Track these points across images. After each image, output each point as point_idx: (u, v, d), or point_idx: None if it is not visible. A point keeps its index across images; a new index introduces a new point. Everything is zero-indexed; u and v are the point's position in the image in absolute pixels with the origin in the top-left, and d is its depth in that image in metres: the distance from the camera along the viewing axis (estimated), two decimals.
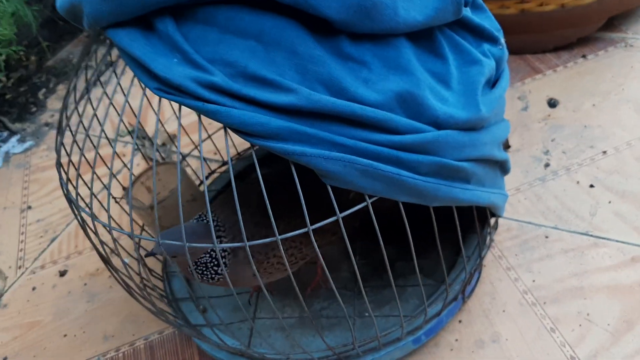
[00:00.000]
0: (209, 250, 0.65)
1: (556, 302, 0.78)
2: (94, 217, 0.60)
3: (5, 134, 1.33)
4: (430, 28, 0.57)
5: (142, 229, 0.90)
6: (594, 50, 1.15)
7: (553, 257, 0.83)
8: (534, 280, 0.81)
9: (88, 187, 0.61)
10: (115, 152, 0.58)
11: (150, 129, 1.21)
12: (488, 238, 0.78)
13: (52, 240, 1.06)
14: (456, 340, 0.77)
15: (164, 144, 1.18)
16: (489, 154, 0.61)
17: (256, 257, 0.67)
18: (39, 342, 0.91)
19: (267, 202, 0.52)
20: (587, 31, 1.15)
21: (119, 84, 0.59)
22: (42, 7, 1.44)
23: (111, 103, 0.56)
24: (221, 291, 0.84)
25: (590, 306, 0.77)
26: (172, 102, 0.52)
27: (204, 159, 1.05)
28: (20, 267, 1.03)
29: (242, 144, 1.02)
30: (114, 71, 0.61)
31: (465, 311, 0.80)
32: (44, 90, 1.43)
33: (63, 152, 0.66)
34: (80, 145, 0.63)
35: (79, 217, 0.66)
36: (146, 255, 0.65)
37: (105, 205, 0.80)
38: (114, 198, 0.80)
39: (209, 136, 0.95)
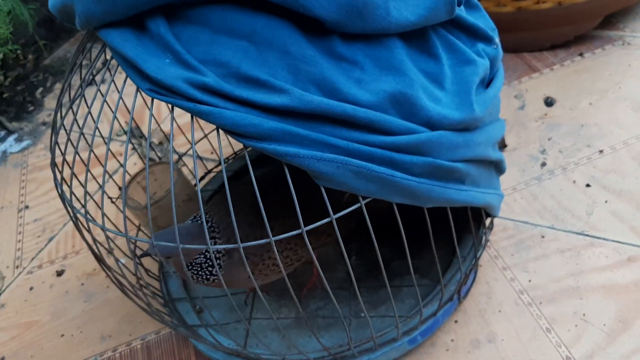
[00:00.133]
0: (203, 252, 0.64)
1: (552, 302, 0.78)
2: (88, 217, 0.60)
3: (2, 133, 1.33)
4: (423, 28, 0.57)
5: (139, 229, 0.90)
6: (591, 49, 1.14)
7: (549, 257, 0.83)
8: (529, 280, 0.81)
9: (83, 187, 0.61)
10: (109, 151, 0.58)
11: (146, 128, 1.20)
12: (483, 238, 0.78)
13: (50, 240, 1.06)
14: (452, 340, 0.77)
15: (160, 143, 1.17)
16: (484, 154, 0.61)
17: (251, 259, 0.67)
18: (36, 341, 0.91)
19: (261, 203, 0.52)
20: (584, 29, 1.14)
21: (113, 82, 0.58)
22: (38, 6, 1.44)
23: (105, 101, 0.56)
24: (217, 292, 0.84)
25: (586, 306, 0.77)
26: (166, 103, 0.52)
27: (201, 158, 1.05)
28: (17, 267, 1.03)
29: (238, 142, 1.02)
30: (108, 69, 0.61)
31: (461, 311, 0.80)
32: (41, 89, 1.43)
33: (58, 151, 0.66)
34: (75, 144, 0.63)
35: (73, 218, 0.66)
36: (141, 256, 0.65)
37: (101, 205, 0.80)
38: (110, 198, 0.80)
39: (205, 135, 0.95)
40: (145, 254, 0.63)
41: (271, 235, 0.53)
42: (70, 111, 0.63)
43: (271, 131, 0.50)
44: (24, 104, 1.40)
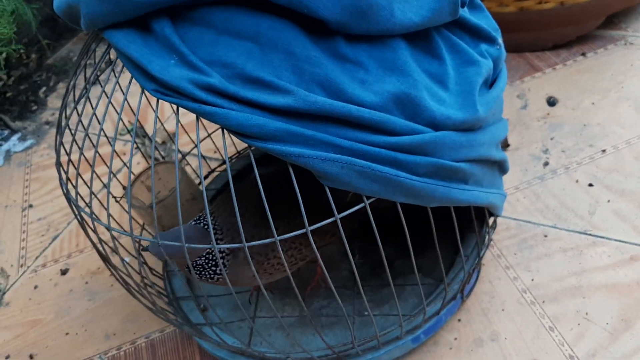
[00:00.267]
0: (204, 254, 0.65)
1: (555, 301, 0.78)
2: (93, 216, 0.61)
3: (6, 132, 1.34)
4: (427, 29, 0.57)
5: (143, 228, 0.90)
6: (593, 48, 1.14)
7: (552, 256, 0.83)
8: (532, 279, 0.81)
9: (88, 186, 0.62)
10: (114, 151, 0.58)
11: (150, 128, 1.21)
12: (487, 237, 0.78)
13: (54, 239, 1.06)
14: (455, 339, 0.78)
15: (164, 143, 1.18)
16: (487, 154, 0.61)
17: (256, 258, 0.67)
18: (40, 340, 0.91)
19: (266, 203, 0.52)
20: (587, 29, 1.14)
21: (117, 82, 0.59)
22: (41, 5, 1.44)
23: (110, 102, 0.56)
24: (221, 290, 0.84)
25: (589, 305, 0.77)
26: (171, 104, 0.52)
27: (204, 158, 1.05)
28: (22, 266, 1.03)
29: (241, 142, 1.02)
30: (113, 70, 0.61)
31: (464, 310, 0.80)
32: (44, 88, 1.44)
33: (63, 151, 0.67)
34: (80, 144, 0.63)
35: (78, 217, 0.66)
36: (143, 250, 0.65)
37: (106, 204, 0.80)
38: (114, 197, 0.80)
39: (209, 135, 0.95)
40: (146, 249, 0.64)
41: (276, 235, 0.54)
42: (75, 111, 0.63)
43: (276, 131, 0.50)
44: (28, 103, 1.40)
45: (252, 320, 0.81)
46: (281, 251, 0.55)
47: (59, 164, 0.66)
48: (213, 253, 0.65)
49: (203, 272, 0.66)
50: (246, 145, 1.01)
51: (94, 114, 0.59)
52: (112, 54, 0.61)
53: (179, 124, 0.96)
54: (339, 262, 0.86)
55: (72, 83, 0.64)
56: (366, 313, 0.78)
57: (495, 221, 0.80)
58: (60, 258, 1.02)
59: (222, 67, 0.51)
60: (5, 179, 1.22)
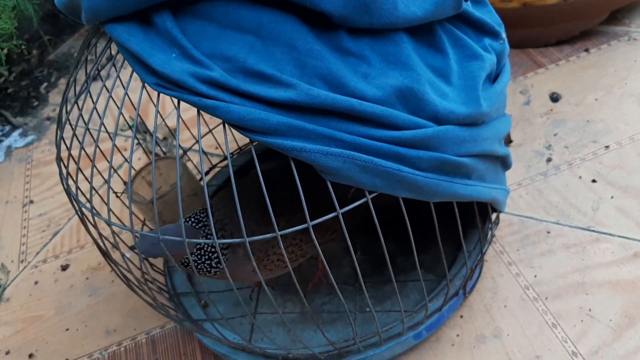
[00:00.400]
0: (195, 251, 0.64)
1: (558, 298, 0.78)
2: (94, 211, 0.60)
3: (7, 128, 1.33)
4: (430, 22, 0.56)
5: (144, 224, 0.90)
6: (596, 44, 1.14)
7: (555, 253, 0.83)
8: (535, 276, 0.81)
9: (88, 182, 0.61)
10: (114, 146, 0.58)
11: (151, 123, 1.21)
12: (489, 233, 0.78)
13: (54, 235, 1.06)
14: (457, 335, 0.77)
15: (165, 138, 1.17)
16: (490, 149, 0.61)
17: (256, 255, 0.67)
18: (41, 336, 0.91)
19: (267, 199, 0.52)
20: (590, 24, 1.14)
21: (118, 77, 0.58)
22: (42, 1, 1.44)
23: (111, 97, 0.56)
24: (222, 286, 0.84)
25: (592, 302, 0.77)
26: (172, 97, 0.52)
27: (205, 153, 1.05)
28: (22, 261, 1.03)
29: (243, 137, 1.02)
30: (114, 65, 0.61)
31: (466, 306, 0.80)
32: (45, 84, 1.43)
33: (63, 146, 0.66)
34: (81, 139, 0.63)
35: (79, 212, 0.66)
36: (130, 248, 0.65)
37: (106, 199, 0.80)
38: (115, 193, 0.80)
39: (210, 130, 0.95)
40: (132, 248, 0.63)
41: (277, 230, 0.53)
42: (76, 106, 0.63)
43: (278, 125, 0.50)
44: (29, 99, 1.40)
45: (253, 316, 0.81)
46: (282, 246, 0.54)
47: (59, 159, 0.66)
48: (204, 250, 0.64)
49: (198, 268, 0.65)
50: (247, 141, 1.01)
51: (95, 108, 0.59)
52: (113, 49, 0.61)
53: (180, 119, 0.95)
54: (340, 258, 0.85)
55: (72, 77, 0.64)
56: (368, 309, 0.78)
57: (498, 217, 0.79)
58: (61, 254, 1.02)
59: (224, 61, 0.51)
60: (6, 175, 1.21)
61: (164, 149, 1.14)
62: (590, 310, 0.76)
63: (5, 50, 1.37)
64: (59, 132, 0.65)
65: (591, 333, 0.74)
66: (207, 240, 0.55)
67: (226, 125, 0.51)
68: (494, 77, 0.63)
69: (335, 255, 0.85)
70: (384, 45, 0.54)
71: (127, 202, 0.97)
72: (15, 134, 1.31)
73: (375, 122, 0.52)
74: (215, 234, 0.66)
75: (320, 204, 0.61)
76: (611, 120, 0.99)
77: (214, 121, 1.12)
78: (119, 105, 0.56)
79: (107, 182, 0.58)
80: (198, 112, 0.52)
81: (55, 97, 1.40)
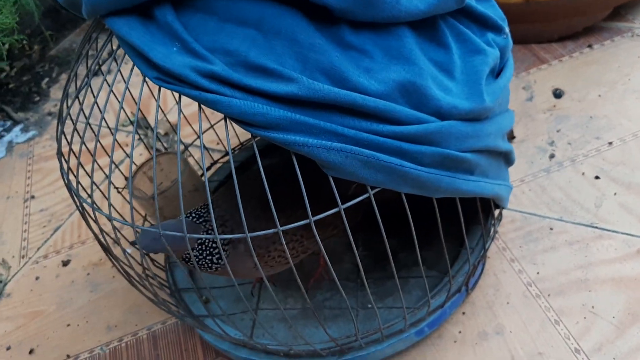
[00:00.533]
0: (196, 245, 0.64)
1: (560, 294, 0.78)
2: (94, 207, 0.60)
3: (8, 123, 1.33)
4: (433, 17, 0.56)
5: (145, 219, 0.90)
6: (600, 40, 1.13)
7: (557, 249, 0.83)
8: (538, 272, 0.81)
9: (89, 177, 0.61)
10: (115, 141, 0.58)
11: (152, 118, 1.20)
12: (492, 230, 0.77)
13: (55, 230, 1.06)
14: (459, 332, 0.77)
15: (166, 134, 1.17)
16: (493, 144, 0.60)
17: (256, 251, 0.67)
18: (42, 331, 0.91)
19: (269, 195, 0.51)
20: (593, 20, 1.13)
21: (119, 71, 0.58)
22: None
23: (111, 91, 0.55)
24: (224, 282, 0.84)
25: (595, 298, 0.76)
26: (173, 92, 0.52)
27: (206, 149, 1.05)
28: (23, 257, 1.03)
29: (244, 133, 1.02)
30: (115, 59, 0.60)
31: (468, 303, 0.79)
32: (47, 79, 1.43)
33: (64, 141, 0.66)
34: (81, 134, 0.62)
35: (80, 207, 0.66)
36: (131, 243, 0.64)
37: (107, 195, 0.80)
38: (116, 188, 0.80)
39: (211, 126, 0.94)
40: (133, 243, 0.63)
41: (279, 225, 0.53)
42: (77, 101, 0.62)
43: (279, 120, 0.49)
44: (30, 94, 1.40)
45: (255, 312, 0.81)
46: (284, 242, 0.54)
47: (60, 154, 0.66)
48: (205, 245, 0.64)
49: (199, 263, 0.65)
50: (249, 137, 1.01)
51: (95, 103, 0.59)
52: (114, 43, 0.61)
53: (182, 115, 0.95)
54: (341, 254, 0.85)
55: (73, 72, 0.63)
56: (370, 305, 0.78)
57: (500, 213, 0.79)
58: (62, 249, 1.02)
59: (225, 55, 0.51)
60: (7, 170, 1.21)
61: (165, 145, 1.14)
62: (593, 307, 0.76)
63: (6, 45, 1.37)
64: (59, 127, 0.65)
65: (594, 330, 0.74)
66: (208, 236, 0.55)
67: (228, 120, 0.51)
68: (497, 72, 0.62)
69: (337, 251, 0.85)
70: (387, 39, 0.54)
71: (128, 198, 0.97)
72: (17, 129, 1.31)
73: (377, 116, 0.51)
74: (211, 232, 0.65)
75: (322, 199, 0.61)
76: (614, 116, 0.98)
77: (215, 116, 1.12)
78: (119, 100, 0.56)
79: (108, 177, 0.57)
80: (199, 107, 0.51)
81: (56, 93, 1.39)
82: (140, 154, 1.15)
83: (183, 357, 0.83)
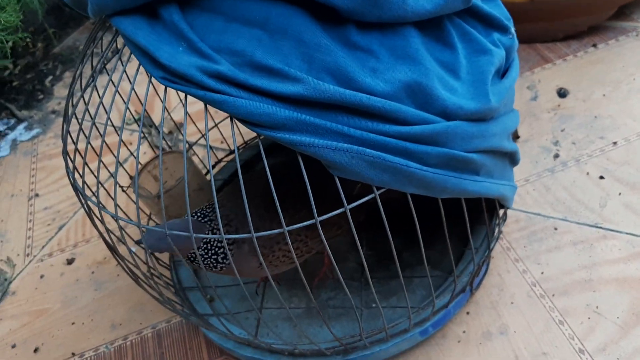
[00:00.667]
0: (202, 245, 0.64)
1: (565, 295, 0.78)
2: (100, 205, 0.60)
3: (12, 121, 1.33)
4: (439, 17, 0.56)
5: (150, 218, 0.90)
6: (604, 40, 1.13)
7: (562, 249, 0.83)
8: (542, 272, 0.81)
9: (94, 176, 0.61)
10: (121, 140, 0.58)
11: (157, 117, 1.20)
12: (497, 230, 0.77)
13: (60, 228, 1.06)
14: (464, 332, 0.77)
15: (170, 132, 1.17)
16: (499, 145, 0.60)
17: (260, 251, 0.67)
18: (47, 329, 0.91)
19: (275, 195, 0.51)
20: (598, 20, 1.13)
21: (124, 71, 0.58)
22: None
23: (117, 91, 0.56)
24: (228, 281, 0.84)
25: (599, 299, 0.76)
26: (179, 91, 0.52)
27: (211, 148, 1.05)
28: (28, 255, 1.03)
29: (248, 132, 1.02)
30: (120, 59, 0.60)
31: (473, 303, 0.79)
32: (50, 77, 1.43)
33: (69, 140, 0.66)
34: (87, 133, 0.62)
35: (85, 206, 0.66)
36: (136, 242, 0.64)
37: (112, 193, 0.80)
38: (121, 187, 0.80)
39: (216, 125, 0.95)
40: (139, 242, 0.63)
41: (284, 225, 0.53)
42: (82, 100, 0.62)
43: (285, 120, 0.49)
44: (34, 92, 1.40)
45: (259, 311, 0.81)
46: (289, 242, 0.54)
47: (65, 153, 0.66)
48: (211, 244, 0.64)
49: (205, 263, 0.65)
50: (253, 135, 1.01)
51: (101, 102, 0.59)
52: (119, 43, 0.61)
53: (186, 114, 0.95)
54: (346, 253, 0.85)
55: (78, 71, 0.63)
56: (374, 305, 0.78)
57: (505, 213, 0.79)
58: (67, 247, 1.02)
59: (231, 55, 0.51)
60: (12, 168, 1.21)
61: (169, 143, 1.14)
62: (597, 307, 0.76)
63: (10, 43, 1.37)
64: (65, 126, 0.65)
65: (598, 330, 0.74)
66: (214, 236, 0.55)
67: (233, 119, 0.51)
68: (502, 72, 0.62)
69: (341, 250, 0.85)
70: (393, 39, 0.54)
71: (132, 197, 0.97)
72: (21, 127, 1.31)
73: (383, 117, 0.52)
74: (216, 230, 0.65)
75: (327, 200, 0.61)
76: (619, 116, 0.98)
77: (219, 115, 1.12)
78: (125, 99, 0.56)
79: (113, 176, 0.57)
80: (205, 106, 0.52)
81: (60, 90, 1.39)
82: (145, 153, 1.15)
83: (187, 355, 0.83)
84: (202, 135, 0.98)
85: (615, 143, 0.94)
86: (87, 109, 0.62)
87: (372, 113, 0.51)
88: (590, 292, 0.77)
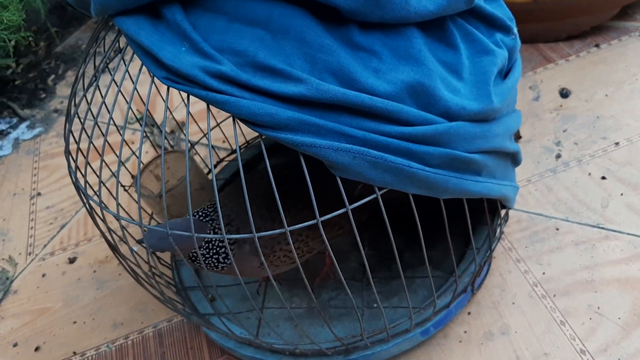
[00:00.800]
0: (203, 244, 0.64)
1: (566, 295, 0.78)
2: (102, 205, 0.60)
3: (14, 120, 1.33)
4: (441, 17, 0.56)
5: (151, 217, 0.90)
6: (607, 40, 1.13)
7: (563, 250, 0.83)
8: (544, 273, 0.81)
9: (96, 175, 0.61)
10: (123, 140, 0.58)
11: (159, 117, 1.20)
12: (498, 230, 0.77)
13: (62, 227, 1.06)
14: (465, 332, 0.77)
15: (172, 132, 1.17)
16: (501, 145, 0.60)
17: (262, 251, 0.67)
18: (48, 328, 0.91)
19: (277, 194, 0.51)
20: (601, 20, 1.13)
21: (127, 71, 0.58)
22: None
23: (119, 90, 0.56)
24: (230, 280, 0.84)
25: (601, 299, 0.76)
26: (181, 92, 0.52)
27: (213, 147, 1.05)
28: (30, 254, 1.03)
29: (251, 132, 1.02)
30: (123, 58, 0.60)
31: (474, 303, 0.79)
32: (53, 76, 1.43)
33: (72, 139, 0.66)
34: (89, 132, 0.63)
35: (87, 205, 0.66)
36: (137, 242, 0.64)
37: (114, 193, 0.80)
38: (123, 186, 0.80)
39: (218, 124, 0.95)
40: (140, 242, 0.63)
41: (286, 225, 0.53)
42: (84, 99, 0.63)
43: (288, 120, 0.49)
44: (36, 91, 1.40)
45: (261, 311, 0.81)
46: (291, 242, 0.54)
47: (68, 152, 0.66)
48: (212, 244, 0.64)
49: (206, 262, 0.65)
50: (255, 135, 1.01)
51: (104, 102, 0.59)
52: (122, 42, 0.61)
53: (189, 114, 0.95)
54: (347, 253, 0.85)
55: (81, 71, 0.63)
56: (375, 305, 0.78)
57: (507, 213, 0.79)
58: (69, 246, 1.02)
59: (234, 55, 0.51)
60: (14, 167, 1.22)
61: (171, 143, 1.14)
62: (598, 308, 0.76)
63: (12, 42, 1.37)
64: (67, 125, 0.65)
65: (600, 331, 0.74)
66: (215, 235, 0.55)
67: (235, 119, 0.51)
68: (505, 73, 0.62)
69: (342, 250, 0.85)
70: (395, 40, 0.54)
71: (135, 196, 0.97)
72: (23, 126, 1.31)
73: (385, 117, 0.51)
74: (217, 230, 0.65)
75: (328, 200, 0.61)
76: (621, 116, 0.98)
77: (221, 115, 1.12)
78: (127, 98, 0.56)
79: (115, 175, 0.57)
80: (208, 106, 0.52)
81: (62, 89, 1.39)
82: (146, 152, 1.15)
83: (189, 355, 0.83)
84: (204, 135, 0.98)
85: (617, 143, 0.94)
86: (89, 109, 0.62)
87: (374, 113, 0.51)
88: (591, 293, 0.77)
